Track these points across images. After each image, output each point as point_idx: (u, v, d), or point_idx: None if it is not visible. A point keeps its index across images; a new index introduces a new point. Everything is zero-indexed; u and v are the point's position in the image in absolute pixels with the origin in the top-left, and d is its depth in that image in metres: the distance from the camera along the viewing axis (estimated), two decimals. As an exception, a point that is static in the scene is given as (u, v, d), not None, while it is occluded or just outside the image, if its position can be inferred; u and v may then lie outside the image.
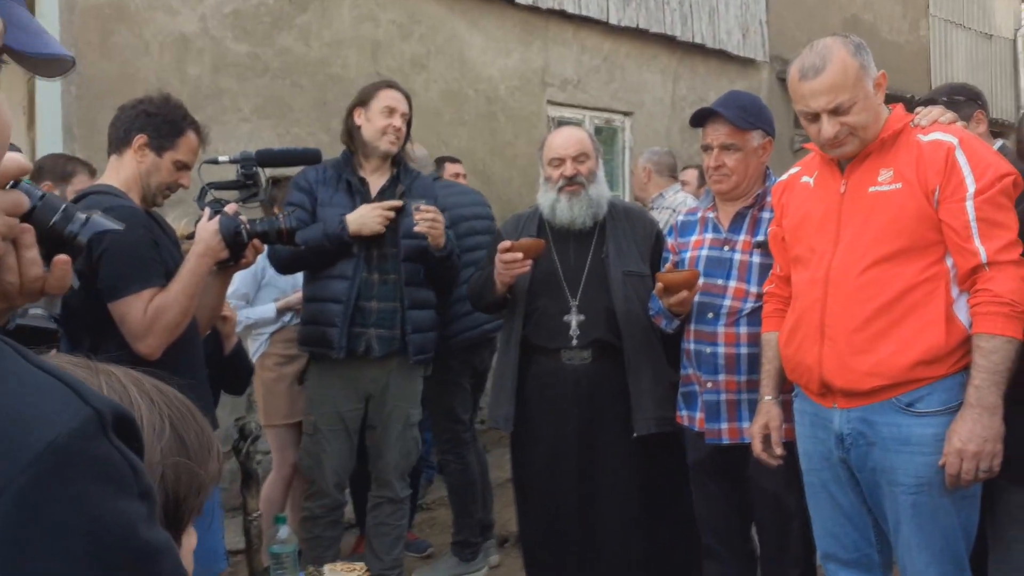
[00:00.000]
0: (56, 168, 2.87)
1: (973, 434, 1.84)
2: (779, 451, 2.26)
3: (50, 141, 4.34)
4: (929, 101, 2.86)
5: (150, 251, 2.14)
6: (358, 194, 3.01)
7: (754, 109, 2.54)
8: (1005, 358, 1.84)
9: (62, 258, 1.00)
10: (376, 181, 3.06)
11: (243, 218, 2.23)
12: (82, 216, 1.08)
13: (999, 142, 3.11)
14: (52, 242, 1.02)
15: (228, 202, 2.29)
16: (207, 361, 2.51)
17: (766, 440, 2.27)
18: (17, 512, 0.40)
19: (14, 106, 5.21)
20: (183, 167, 2.27)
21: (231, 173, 2.43)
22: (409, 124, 3.08)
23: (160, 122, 2.22)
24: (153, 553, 0.44)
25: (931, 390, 1.93)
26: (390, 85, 3.11)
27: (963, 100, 2.97)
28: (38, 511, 0.41)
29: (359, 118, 3.04)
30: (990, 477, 1.90)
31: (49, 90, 4.37)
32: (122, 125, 2.24)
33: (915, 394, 1.94)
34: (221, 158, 2.43)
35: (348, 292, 2.93)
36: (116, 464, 0.44)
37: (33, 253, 0.92)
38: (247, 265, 2.34)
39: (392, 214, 2.91)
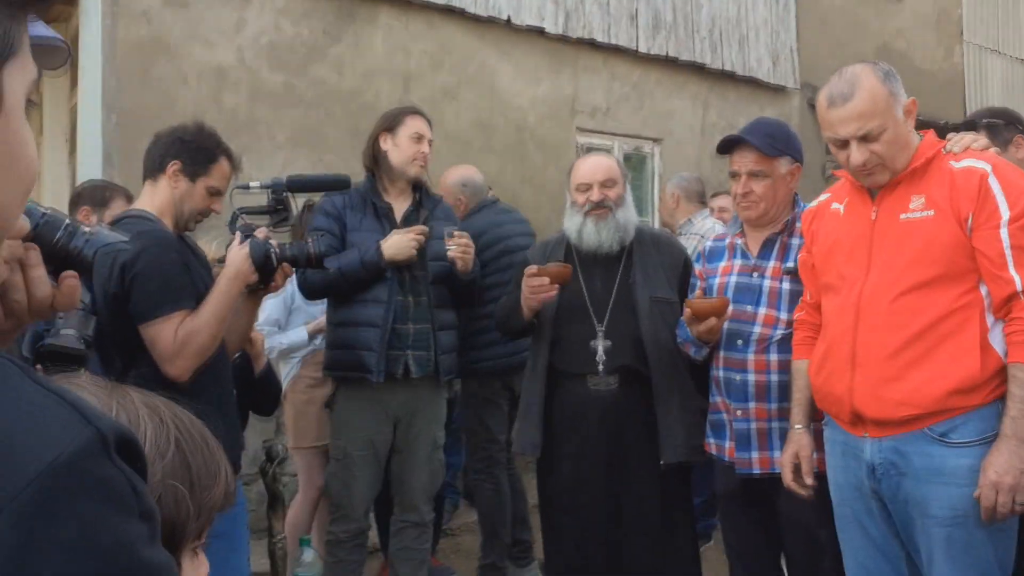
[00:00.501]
0: (94, 195, 2.95)
1: (1010, 466, 1.80)
2: (810, 481, 2.22)
3: (90, 168, 4.45)
4: (968, 125, 2.83)
5: (181, 274, 2.18)
6: (385, 219, 3.04)
7: (782, 136, 2.53)
8: None
9: (69, 274, 1.01)
10: (400, 206, 3.09)
11: (273, 242, 2.27)
12: (86, 230, 1.09)
13: None
14: (58, 259, 1.03)
15: (258, 227, 2.33)
16: (237, 383, 2.54)
17: (796, 470, 2.24)
18: (17, 531, 0.40)
19: (56, 135, 5.37)
20: (216, 193, 2.32)
21: (262, 199, 2.48)
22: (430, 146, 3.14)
23: (194, 149, 2.28)
24: (153, 573, 0.45)
25: (965, 420, 1.89)
26: (416, 112, 3.16)
27: (1002, 124, 2.88)
28: (38, 530, 0.41)
29: (385, 143, 3.08)
30: (1027, 510, 1.85)
31: (90, 119, 4.50)
32: (157, 152, 2.30)
33: (949, 424, 1.90)
34: (252, 184, 2.48)
35: (385, 316, 2.95)
36: (117, 484, 0.45)
37: (39, 272, 0.93)
38: (276, 289, 2.38)
39: (423, 239, 2.95)
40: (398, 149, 3.05)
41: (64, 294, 0.98)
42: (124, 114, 4.35)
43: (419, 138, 3.06)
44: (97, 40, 4.37)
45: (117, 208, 2.94)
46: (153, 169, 2.30)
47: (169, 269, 2.15)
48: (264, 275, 2.24)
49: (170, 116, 4.13)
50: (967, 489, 1.86)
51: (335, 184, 2.83)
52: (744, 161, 2.48)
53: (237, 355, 2.52)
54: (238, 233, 2.28)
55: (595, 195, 2.78)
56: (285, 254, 2.28)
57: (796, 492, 2.24)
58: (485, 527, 3.70)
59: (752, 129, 2.52)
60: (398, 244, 2.91)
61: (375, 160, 3.10)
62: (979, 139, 2.08)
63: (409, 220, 3.06)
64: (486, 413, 3.61)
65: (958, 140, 2.05)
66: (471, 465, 3.81)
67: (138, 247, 2.13)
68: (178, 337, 2.12)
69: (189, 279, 2.20)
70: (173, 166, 2.26)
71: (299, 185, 2.52)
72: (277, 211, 2.40)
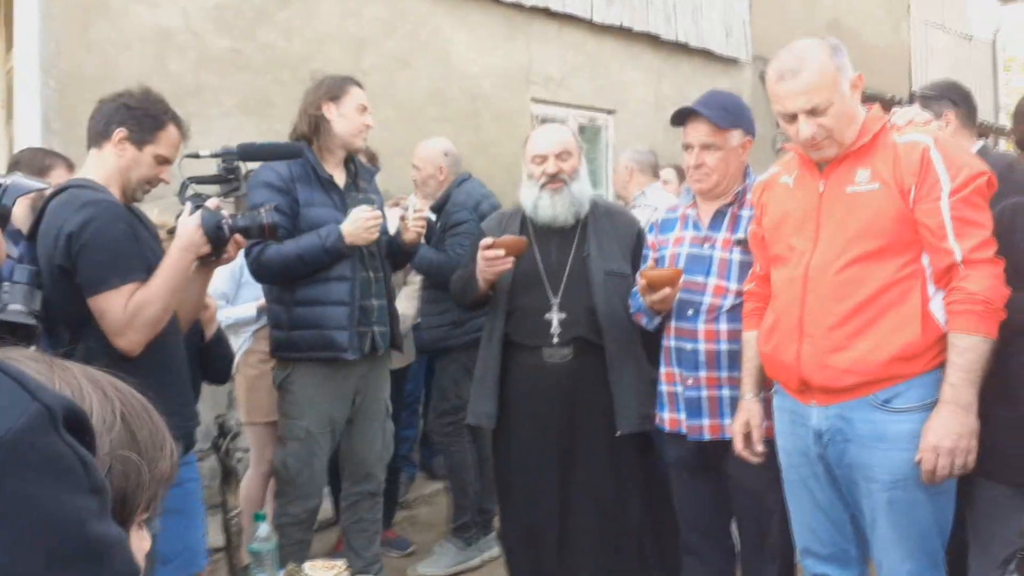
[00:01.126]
0: (33, 162, 2.84)
1: (948, 430, 1.87)
2: (760, 448, 2.28)
3: (28, 135, 4.29)
4: (911, 97, 2.89)
5: (130, 246, 2.12)
6: (333, 191, 2.97)
7: (734, 108, 2.56)
8: (980, 356, 1.87)
9: None
10: (338, 176, 3.03)
11: (225, 213, 2.22)
12: (2, 182, 1.05)
13: (980, 142, 3.13)
14: None
15: (209, 197, 2.28)
16: (188, 351, 2.50)
17: (747, 438, 2.29)
18: None
19: (-8, 100, 5.15)
20: (164, 162, 2.25)
21: (212, 167, 2.41)
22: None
23: (140, 116, 2.20)
24: (105, 548, 0.44)
25: (907, 387, 1.95)
26: (356, 82, 3.06)
27: (933, 96, 2.93)
28: None
29: (329, 112, 2.95)
30: (965, 473, 1.92)
31: (28, 83, 4.32)
32: (102, 119, 2.21)
33: (891, 391, 1.96)
34: (202, 152, 2.41)
35: (351, 293, 2.90)
36: (66, 459, 0.44)
37: None
38: (228, 260, 2.33)
39: (380, 221, 2.91)
40: (344, 119, 2.95)
41: None
42: (63, 78, 4.18)
43: (363, 109, 3.00)
44: (34, 0, 4.19)
45: (58, 177, 2.84)
46: (98, 136, 2.22)
47: (118, 240, 2.09)
48: (217, 246, 2.19)
49: (112, 81, 3.98)
50: (908, 454, 1.93)
51: (288, 152, 2.76)
52: (697, 133, 2.49)
53: (188, 328, 2.47)
54: (188, 203, 2.22)
55: (550, 167, 2.78)
56: (237, 224, 2.23)
57: (747, 459, 2.30)
58: (455, 487, 3.75)
59: (705, 101, 2.54)
60: (359, 230, 2.84)
61: (316, 128, 2.97)
62: (921, 113, 2.12)
63: (349, 191, 3.02)
64: (463, 380, 3.62)
65: (902, 114, 2.09)
66: (438, 429, 3.83)
67: (84, 216, 2.06)
68: (128, 309, 2.06)
69: (138, 250, 2.14)
70: (119, 133, 2.19)
71: (251, 153, 2.46)
72: (228, 180, 2.34)
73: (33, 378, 0.46)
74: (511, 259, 2.70)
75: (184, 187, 2.30)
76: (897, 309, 1.95)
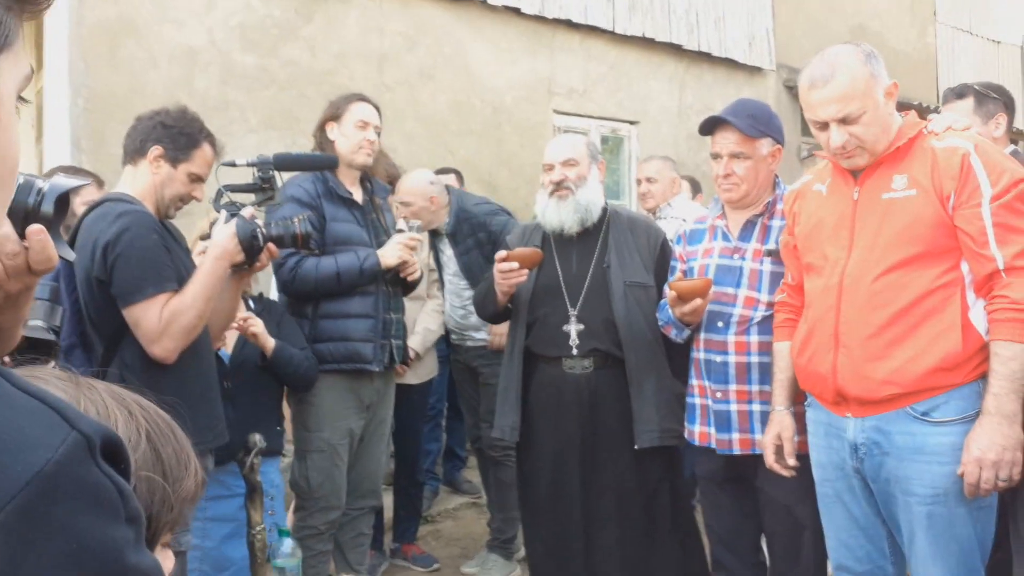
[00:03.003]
0: None
1: (992, 442, 1.81)
2: (792, 462, 2.23)
3: (58, 153, 4.35)
4: (960, 90, 3.06)
5: (163, 256, 2.14)
6: (354, 207, 2.99)
7: (763, 117, 2.53)
8: (1023, 365, 1.82)
9: (35, 228, 0.97)
10: (356, 193, 3.04)
11: (260, 222, 2.22)
12: (40, 184, 1.05)
13: (1012, 147, 3.10)
14: (18, 218, 0.99)
15: (244, 205, 2.29)
16: (257, 371, 2.62)
17: (778, 451, 2.25)
18: (8, 542, 0.39)
19: (22, 119, 5.24)
20: (197, 179, 2.27)
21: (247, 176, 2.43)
22: (378, 134, 3.06)
23: (176, 134, 2.23)
24: None
25: (947, 398, 1.90)
26: (362, 98, 3.07)
27: (992, 96, 3.05)
28: (26, 540, 0.40)
29: (332, 132, 2.99)
30: (1010, 487, 1.87)
31: (57, 103, 4.39)
32: (138, 136, 2.24)
33: (931, 402, 1.91)
34: (239, 161, 2.43)
35: (375, 306, 2.94)
36: (104, 489, 0.43)
37: (2, 230, 0.91)
38: (260, 269, 2.34)
39: (415, 246, 2.95)
40: (344, 138, 2.96)
41: (36, 250, 0.96)
42: (92, 97, 4.25)
43: (364, 125, 2.97)
44: (64, 21, 4.26)
45: (88, 194, 2.87)
46: (134, 153, 2.25)
47: (151, 249, 2.11)
48: (250, 255, 2.20)
49: (140, 99, 4.05)
50: (949, 467, 1.88)
51: (323, 163, 2.77)
52: (726, 142, 2.46)
53: (220, 338, 2.52)
54: (223, 211, 2.24)
55: (555, 175, 2.78)
56: (271, 234, 2.24)
57: (778, 472, 2.25)
58: (503, 501, 3.71)
59: (734, 110, 2.51)
60: (392, 254, 2.91)
61: (323, 150, 3.02)
62: (960, 119, 2.08)
63: (366, 208, 3.04)
64: None
65: (939, 119, 2.05)
66: (489, 442, 3.72)
67: (119, 227, 2.10)
68: (163, 317, 2.08)
69: (170, 260, 2.17)
70: (155, 151, 2.21)
71: (286, 163, 2.47)
72: (263, 189, 2.35)
73: (71, 406, 0.46)
74: (525, 272, 2.69)
75: (219, 195, 2.32)
76: (936, 318, 1.90)
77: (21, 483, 0.40)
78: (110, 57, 4.32)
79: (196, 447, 2.37)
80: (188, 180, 2.25)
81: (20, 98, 0.54)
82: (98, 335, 2.16)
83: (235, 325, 2.61)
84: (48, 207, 1.03)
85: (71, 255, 1.81)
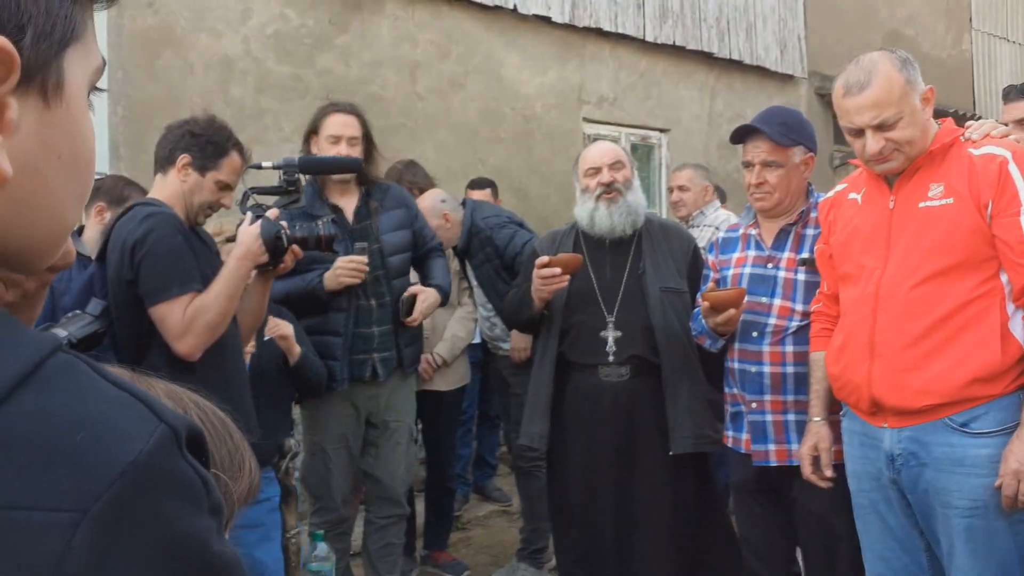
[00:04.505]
0: (113, 191, 2.93)
1: None
2: (829, 473, 2.21)
3: (97, 161, 4.44)
4: (1011, 94, 3.02)
5: (188, 256, 2.18)
6: (338, 217, 2.93)
7: (795, 125, 2.50)
8: None
9: None
10: (348, 204, 2.98)
11: (284, 223, 2.25)
12: None
13: None
14: None
15: (269, 207, 2.32)
16: (278, 373, 2.63)
17: (815, 462, 2.22)
18: (103, 532, 0.41)
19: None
20: (225, 187, 2.31)
21: (273, 179, 2.46)
22: (370, 139, 2.98)
23: (204, 142, 2.26)
24: (224, 566, 0.45)
25: (987, 409, 1.87)
26: (337, 109, 3.01)
27: None
28: (122, 530, 0.41)
29: (314, 146, 2.96)
30: (1049, 500, 1.83)
31: (96, 111, 4.47)
32: (167, 144, 2.28)
33: (970, 413, 1.89)
34: (265, 163, 2.47)
35: (346, 323, 2.91)
36: (191, 481, 0.45)
37: None
38: (285, 271, 2.36)
39: (365, 267, 2.84)
40: (321, 152, 2.91)
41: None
42: (131, 105, 4.33)
43: (336, 140, 2.91)
44: (103, 30, 4.36)
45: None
46: (163, 161, 2.30)
47: (176, 249, 2.15)
48: (274, 256, 2.23)
49: (177, 107, 4.12)
50: (988, 479, 1.85)
51: (347, 165, 2.77)
52: (757, 151, 2.45)
53: (249, 339, 2.54)
54: (248, 213, 2.27)
55: (605, 177, 2.77)
56: (295, 235, 2.27)
57: (816, 484, 2.23)
58: (534, 510, 3.68)
59: (766, 118, 2.49)
60: (333, 278, 2.83)
61: None
62: (998, 126, 2.05)
63: (360, 215, 2.97)
64: None
65: (977, 127, 2.03)
66: (521, 452, 3.72)
67: (145, 227, 2.14)
68: (187, 314, 2.12)
69: (196, 262, 2.21)
70: (183, 159, 2.25)
71: (311, 166, 2.50)
72: (288, 192, 2.38)
73: (157, 399, 0.47)
74: (567, 277, 2.68)
75: (245, 197, 2.35)
76: (974, 328, 1.87)
77: (117, 473, 0.42)
78: (148, 66, 4.40)
79: None
80: (216, 188, 2.28)
81: (96, 87, 0.54)
82: (128, 338, 2.20)
83: (268, 331, 2.64)
84: None
85: (87, 249, 1.85)
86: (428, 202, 3.82)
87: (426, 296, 3.02)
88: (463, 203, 3.88)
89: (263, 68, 4.76)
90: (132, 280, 2.15)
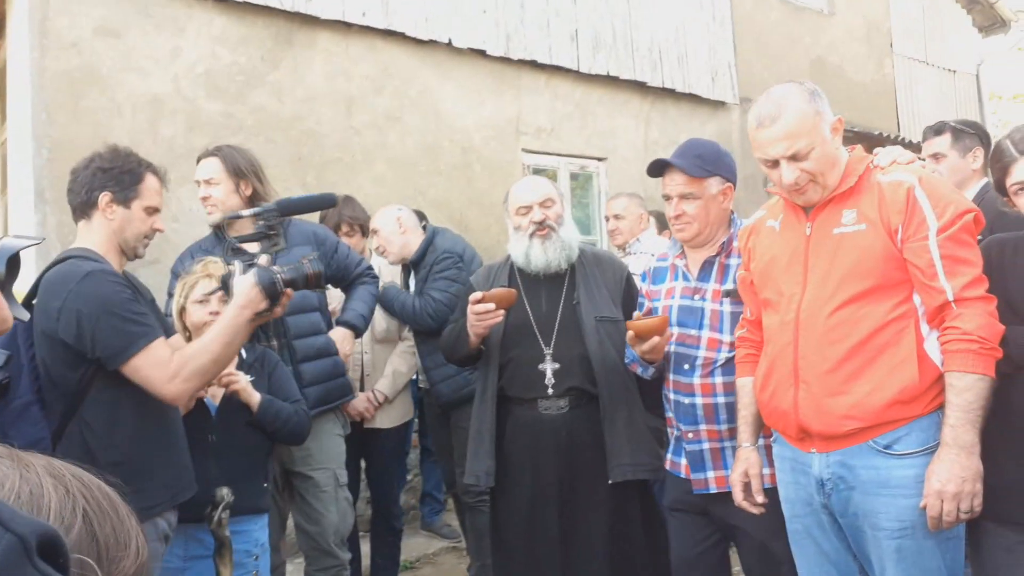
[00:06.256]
0: None
1: (952, 474, 1.82)
2: (760, 499, 2.23)
3: (22, 204, 4.31)
4: (938, 127, 3.29)
5: (139, 307, 2.14)
6: (242, 257, 2.90)
7: (710, 156, 2.55)
8: (978, 396, 1.83)
9: None
10: (252, 246, 2.88)
11: (276, 268, 2.22)
12: None
13: (984, 180, 3.21)
14: None
15: (255, 255, 2.29)
16: (244, 424, 2.58)
17: (747, 488, 2.24)
18: None
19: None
20: (154, 211, 2.26)
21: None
22: (243, 175, 2.96)
23: (118, 174, 2.21)
24: None
25: (908, 431, 1.91)
26: (202, 156, 3.05)
27: (969, 132, 3.27)
28: None
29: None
30: (972, 518, 1.87)
31: (21, 155, 4.36)
32: (81, 188, 2.21)
33: (892, 435, 1.92)
34: (244, 212, 2.44)
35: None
36: None
37: None
38: (277, 315, 2.31)
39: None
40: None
41: None
42: (56, 147, 4.22)
43: (198, 184, 2.99)
44: (26, 71, 4.25)
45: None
46: (83, 206, 2.22)
47: (127, 304, 2.10)
48: (272, 301, 2.19)
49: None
50: (914, 500, 1.88)
51: (322, 203, 2.74)
52: (674, 184, 2.49)
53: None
54: (237, 263, 2.23)
55: (537, 215, 2.79)
56: (285, 278, 2.23)
57: (747, 510, 2.25)
58: (481, 546, 3.64)
59: (682, 151, 2.54)
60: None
61: None
62: (905, 153, 2.12)
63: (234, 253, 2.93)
64: None
65: (885, 154, 2.09)
66: (465, 488, 3.72)
67: (89, 291, 2.07)
68: (174, 360, 2.08)
69: (145, 310, 2.17)
70: (104, 198, 2.19)
71: (289, 208, 2.47)
72: (269, 236, 2.35)
73: (5, 505, 0.45)
74: (502, 312, 2.68)
75: (230, 248, 2.31)
76: (892, 350, 1.92)
77: None
78: (73, 107, 4.30)
79: (157, 507, 2.28)
80: (146, 215, 2.23)
81: None
82: (57, 393, 2.12)
83: (216, 381, 2.56)
84: (0, 268, 1.03)
85: (25, 315, 1.79)
86: (384, 210, 3.86)
87: (342, 351, 3.08)
88: (423, 227, 3.89)
89: (194, 106, 4.69)
90: (68, 343, 2.07)
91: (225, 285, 2.23)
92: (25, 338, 2.13)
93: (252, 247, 2.89)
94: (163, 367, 2.06)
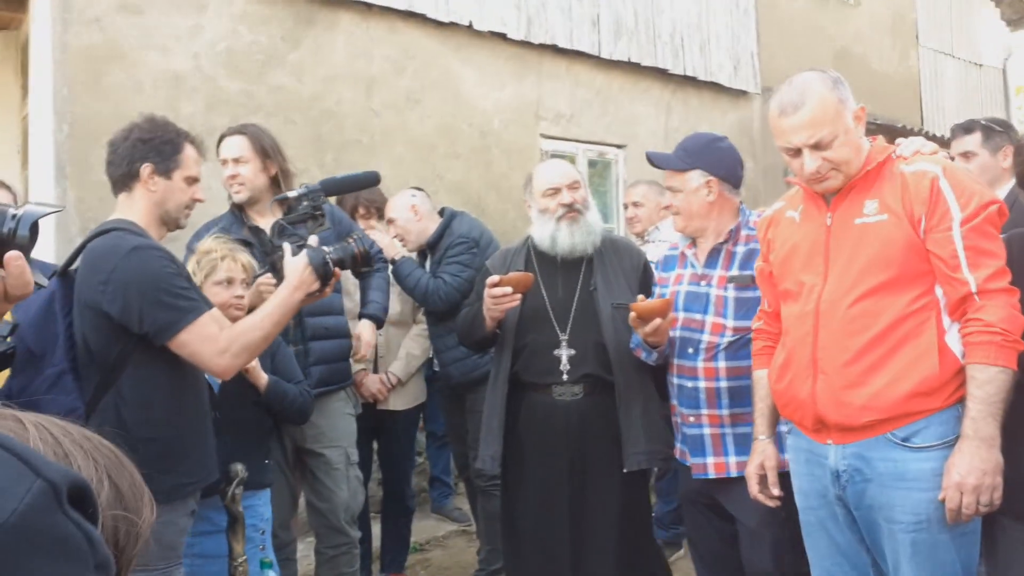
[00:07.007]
0: None
1: (972, 467, 1.80)
2: (776, 492, 2.22)
3: (43, 180, 4.34)
4: (968, 125, 3.27)
5: (185, 282, 2.14)
6: (258, 237, 2.95)
7: (695, 148, 2.57)
8: (1000, 388, 1.81)
9: (12, 254, 0.97)
10: (268, 225, 2.94)
11: (326, 248, 2.22)
12: (13, 211, 1.04)
13: (1012, 182, 3.19)
14: None
15: (303, 236, 2.29)
16: (247, 402, 2.63)
17: (763, 480, 2.23)
18: None
19: (8, 147, 5.23)
20: (194, 181, 2.25)
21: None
22: (269, 155, 2.97)
23: (159, 144, 2.19)
24: None
25: (927, 424, 1.89)
26: (225, 134, 3.04)
27: (999, 130, 3.26)
28: None
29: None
30: (991, 511, 1.85)
31: (42, 130, 4.39)
32: (123, 160, 2.18)
33: (911, 428, 1.90)
34: (290, 193, 2.44)
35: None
36: (72, 539, 0.42)
37: None
38: (326, 296, 2.31)
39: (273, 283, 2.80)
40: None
41: (13, 275, 0.95)
42: (76, 123, 4.24)
43: (224, 163, 2.97)
44: (48, 47, 4.27)
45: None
46: (124, 178, 2.19)
47: (176, 279, 2.10)
48: (324, 282, 2.20)
49: (124, 125, 4.03)
50: (931, 493, 1.86)
51: (366, 181, 2.71)
52: (666, 176, 2.59)
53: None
54: (287, 244, 2.24)
55: (566, 198, 2.78)
56: (332, 257, 2.24)
57: (764, 503, 2.24)
58: (491, 531, 3.64)
59: (680, 145, 2.60)
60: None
61: None
62: (928, 143, 2.09)
63: (275, 229, 2.96)
64: None
65: (908, 144, 2.06)
66: (478, 472, 3.72)
67: (136, 265, 2.06)
68: (225, 333, 2.09)
69: (190, 284, 2.17)
70: (146, 169, 2.16)
71: (334, 187, 2.48)
72: (315, 217, 2.35)
73: (36, 452, 0.45)
74: (518, 296, 2.67)
75: (281, 229, 2.37)
76: (913, 342, 1.89)
77: None
78: (94, 83, 4.32)
79: (190, 485, 2.30)
80: (187, 185, 2.22)
81: None
82: (95, 365, 2.11)
83: None
84: (24, 232, 1.03)
85: (45, 282, 1.79)
86: (397, 198, 3.84)
87: (365, 340, 3.11)
88: (441, 212, 3.87)
89: (214, 85, 4.70)
90: (113, 316, 2.05)
91: (274, 267, 2.24)
92: (62, 306, 2.11)
93: (266, 228, 2.93)
94: (212, 342, 2.07)
